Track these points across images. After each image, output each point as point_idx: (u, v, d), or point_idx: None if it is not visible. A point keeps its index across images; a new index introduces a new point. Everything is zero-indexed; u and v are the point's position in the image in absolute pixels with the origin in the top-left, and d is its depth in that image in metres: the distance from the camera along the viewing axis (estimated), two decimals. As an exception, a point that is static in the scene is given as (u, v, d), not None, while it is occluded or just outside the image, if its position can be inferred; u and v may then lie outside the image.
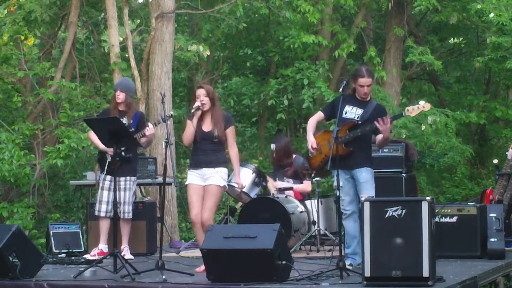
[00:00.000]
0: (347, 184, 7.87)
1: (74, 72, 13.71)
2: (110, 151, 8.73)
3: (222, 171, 7.83)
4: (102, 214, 9.00)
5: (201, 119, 7.87)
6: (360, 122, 7.82)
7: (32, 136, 12.63)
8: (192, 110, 7.86)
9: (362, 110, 7.87)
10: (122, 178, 8.88)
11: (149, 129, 8.74)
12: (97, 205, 9.03)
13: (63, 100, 12.64)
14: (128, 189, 8.96)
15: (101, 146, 8.83)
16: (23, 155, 11.59)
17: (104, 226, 9.07)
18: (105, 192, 8.96)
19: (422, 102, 7.87)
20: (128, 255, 8.85)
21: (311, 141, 7.98)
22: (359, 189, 7.84)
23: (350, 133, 7.85)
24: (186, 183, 7.97)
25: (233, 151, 7.96)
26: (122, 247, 8.92)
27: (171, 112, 9.50)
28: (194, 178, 7.86)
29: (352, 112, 7.90)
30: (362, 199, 6.82)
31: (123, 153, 8.78)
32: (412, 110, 7.84)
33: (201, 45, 13.24)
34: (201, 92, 7.87)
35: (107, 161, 8.93)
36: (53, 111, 12.98)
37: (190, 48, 13.13)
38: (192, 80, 16.31)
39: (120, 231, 8.85)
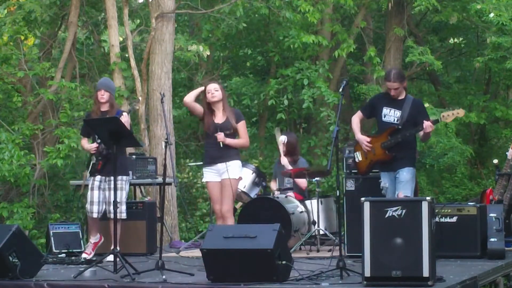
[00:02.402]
0: (392, 184, 8.06)
1: (74, 72, 13.71)
2: (93, 148, 8.75)
3: (235, 164, 8.14)
4: (95, 215, 8.87)
5: (212, 113, 8.19)
6: (400, 127, 7.94)
7: (32, 136, 12.63)
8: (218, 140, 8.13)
9: (400, 111, 7.98)
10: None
11: (124, 116, 8.68)
12: (88, 206, 8.91)
13: (63, 100, 12.63)
14: (120, 188, 8.71)
15: (89, 146, 8.87)
16: (23, 155, 11.59)
17: (94, 225, 9.00)
18: (95, 192, 8.83)
19: (457, 108, 7.95)
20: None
21: (363, 138, 8.11)
22: (397, 187, 7.98)
23: (391, 139, 7.98)
24: (204, 180, 8.36)
25: (244, 139, 8.26)
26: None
27: (140, 98, 9.56)
28: (210, 175, 8.19)
29: (390, 115, 8.03)
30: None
31: (104, 152, 8.75)
32: (447, 116, 7.92)
33: (201, 45, 13.25)
34: (212, 87, 8.19)
35: (92, 163, 8.89)
36: (53, 111, 12.97)
37: (190, 48, 13.14)
38: (192, 80, 16.30)
39: (111, 232, 8.84)
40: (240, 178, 8.34)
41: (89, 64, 14.23)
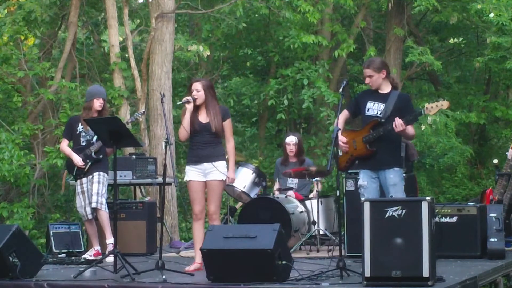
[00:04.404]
0: (372, 184, 7.67)
1: (74, 72, 13.71)
2: (80, 164, 8.90)
3: (222, 164, 7.86)
4: (90, 217, 9.01)
5: (198, 112, 7.88)
6: (383, 120, 7.57)
7: (32, 136, 12.63)
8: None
9: (384, 104, 7.63)
10: (96, 173, 8.93)
11: None
12: (81, 210, 9.03)
13: (63, 100, 12.64)
14: (100, 182, 8.94)
15: (75, 158, 8.94)
16: (23, 155, 11.59)
17: (94, 232, 9.11)
18: (86, 196, 8.99)
19: (441, 100, 7.56)
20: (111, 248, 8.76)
21: (341, 139, 7.67)
22: (387, 192, 7.63)
23: (373, 132, 7.60)
24: (187, 179, 7.95)
25: (230, 144, 7.94)
26: (108, 242, 8.92)
27: (143, 110, 9.52)
28: (194, 174, 7.86)
29: (373, 108, 7.68)
30: None
31: (93, 155, 8.87)
32: (431, 108, 7.50)
33: (201, 45, 13.24)
34: (195, 86, 7.87)
35: (75, 167, 8.99)
36: (53, 111, 12.98)
37: (190, 48, 13.13)
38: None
39: (101, 226, 8.94)
40: (226, 180, 7.92)
41: (89, 64, 14.23)
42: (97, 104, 8.93)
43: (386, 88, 7.74)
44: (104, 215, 8.91)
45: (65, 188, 13.72)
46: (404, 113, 7.54)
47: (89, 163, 8.96)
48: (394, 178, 7.60)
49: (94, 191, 8.91)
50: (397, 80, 7.93)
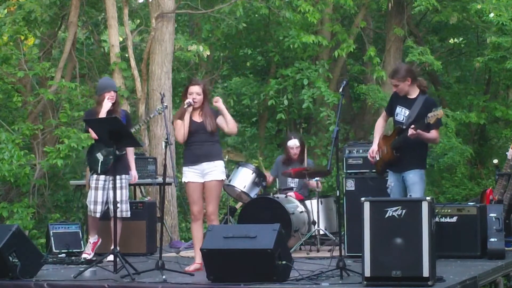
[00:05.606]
0: (397, 184, 7.92)
1: (74, 72, 13.70)
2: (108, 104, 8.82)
3: (220, 164, 7.89)
4: (98, 215, 8.94)
5: (191, 113, 7.92)
6: (404, 127, 7.76)
7: (32, 136, 12.62)
8: (185, 106, 7.87)
9: (409, 110, 7.82)
10: (118, 177, 8.68)
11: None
12: (92, 206, 8.92)
13: (63, 100, 12.63)
14: (124, 187, 8.90)
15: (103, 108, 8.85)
16: (23, 155, 11.57)
17: (94, 225, 9.03)
18: (100, 192, 8.89)
19: (438, 109, 7.66)
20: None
21: (371, 149, 8.04)
22: (407, 190, 7.86)
23: (397, 138, 7.85)
24: (184, 180, 7.94)
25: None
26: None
27: (166, 104, 9.46)
28: (192, 175, 7.88)
29: (401, 114, 7.90)
30: None
31: (116, 151, 8.77)
32: (431, 118, 7.61)
33: (201, 45, 13.24)
34: (194, 90, 7.89)
35: (100, 161, 8.90)
36: (53, 111, 12.97)
37: (190, 48, 13.13)
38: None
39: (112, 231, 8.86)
40: (224, 180, 8.00)
41: (89, 64, 14.22)
42: (108, 97, 8.89)
43: (413, 93, 7.92)
44: (121, 222, 8.80)
45: (65, 188, 13.81)
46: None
47: (111, 160, 8.85)
48: (414, 178, 7.82)
49: (119, 198, 8.57)
50: (424, 83, 8.00)
